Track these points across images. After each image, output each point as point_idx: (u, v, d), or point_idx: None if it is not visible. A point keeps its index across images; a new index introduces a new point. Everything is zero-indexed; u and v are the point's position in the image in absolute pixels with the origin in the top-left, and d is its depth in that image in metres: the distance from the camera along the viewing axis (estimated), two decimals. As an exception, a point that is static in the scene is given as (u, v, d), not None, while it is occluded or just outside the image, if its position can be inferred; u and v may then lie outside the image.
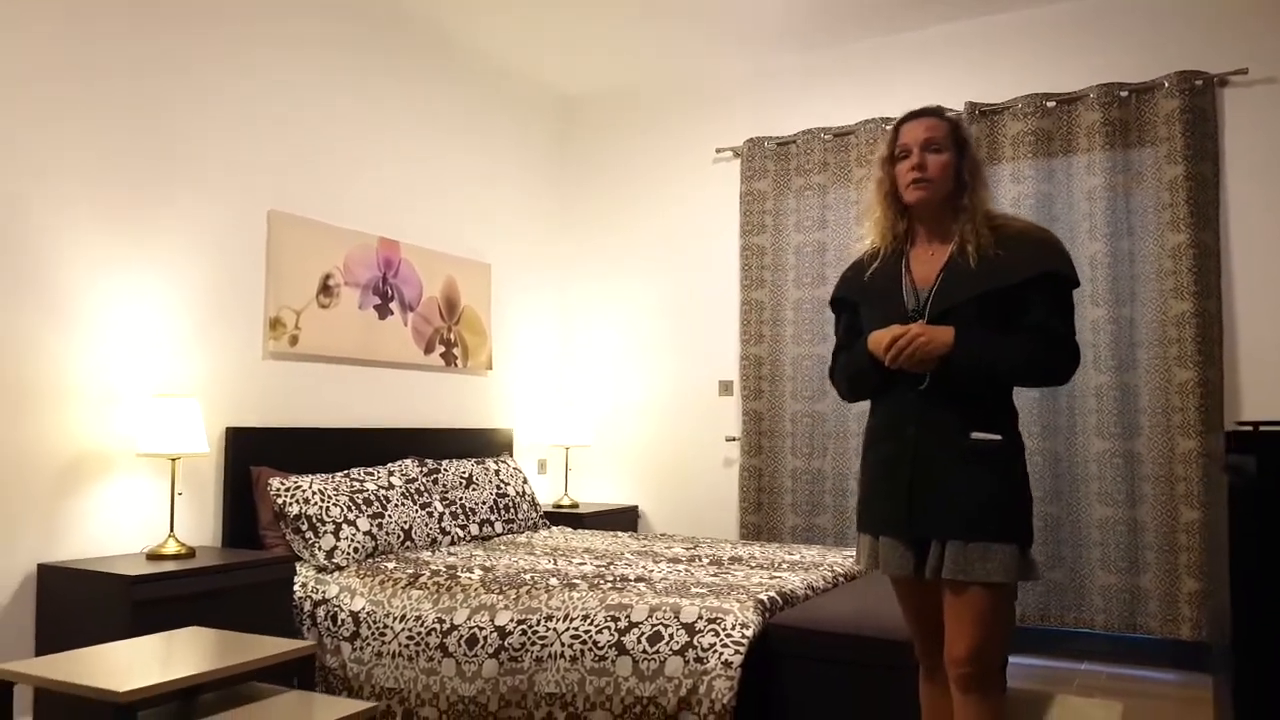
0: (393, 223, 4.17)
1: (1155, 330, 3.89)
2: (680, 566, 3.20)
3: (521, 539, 3.92)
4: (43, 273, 2.86)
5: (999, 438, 1.91)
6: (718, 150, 4.86)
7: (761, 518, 4.57)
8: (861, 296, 2.10)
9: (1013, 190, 4.14)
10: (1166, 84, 3.87)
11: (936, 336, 1.87)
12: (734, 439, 4.71)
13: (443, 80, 4.49)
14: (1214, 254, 3.82)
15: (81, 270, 2.96)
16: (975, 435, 1.90)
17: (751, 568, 3.21)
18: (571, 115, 5.33)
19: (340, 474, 3.50)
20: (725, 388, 4.79)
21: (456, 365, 4.46)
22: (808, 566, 3.22)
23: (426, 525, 3.60)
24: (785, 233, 4.63)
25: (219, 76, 3.41)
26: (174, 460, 2.98)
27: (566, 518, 4.54)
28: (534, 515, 4.23)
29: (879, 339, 1.93)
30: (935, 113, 2.03)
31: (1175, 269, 3.82)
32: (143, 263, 3.14)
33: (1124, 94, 3.98)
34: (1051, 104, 4.10)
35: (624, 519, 4.84)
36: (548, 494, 5.01)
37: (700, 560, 3.35)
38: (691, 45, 4.64)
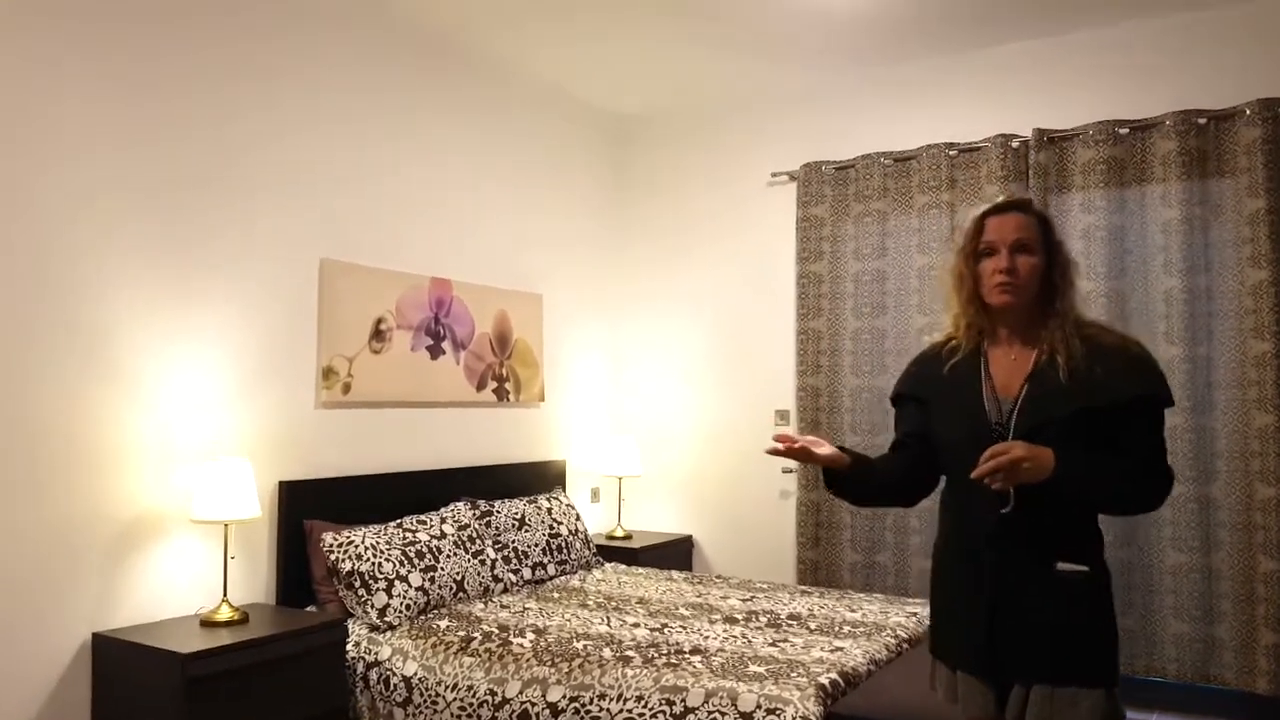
0: (444, 261, 4.14)
1: (1234, 371, 3.70)
2: (736, 629, 3.14)
3: (574, 581, 3.89)
4: (97, 336, 2.87)
5: (1086, 569, 1.79)
6: (773, 174, 4.74)
7: (820, 554, 4.48)
8: (934, 396, 1.98)
9: (1083, 221, 3.96)
10: (1248, 111, 3.65)
11: (1039, 460, 1.71)
12: (790, 470, 4.62)
13: (489, 106, 4.43)
14: (1299, 291, 3.62)
15: (133, 333, 2.97)
16: (1062, 566, 1.78)
17: (811, 630, 3.13)
18: (623, 138, 5.25)
19: (393, 524, 3.49)
20: (781, 417, 4.70)
21: (509, 400, 4.43)
22: (869, 630, 3.13)
23: (479, 574, 3.58)
24: (843, 260, 4.50)
25: (264, 126, 3.39)
26: (226, 525, 2.99)
27: (619, 552, 4.50)
28: (587, 553, 4.20)
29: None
30: (1026, 207, 1.90)
31: (1255, 307, 3.63)
32: (195, 325, 3.15)
33: (1202, 121, 3.77)
34: (1124, 131, 3.91)
35: (678, 551, 4.79)
36: (600, 523, 4.98)
37: (757, 619, 3.28)
38: (745, 65, 4.51)
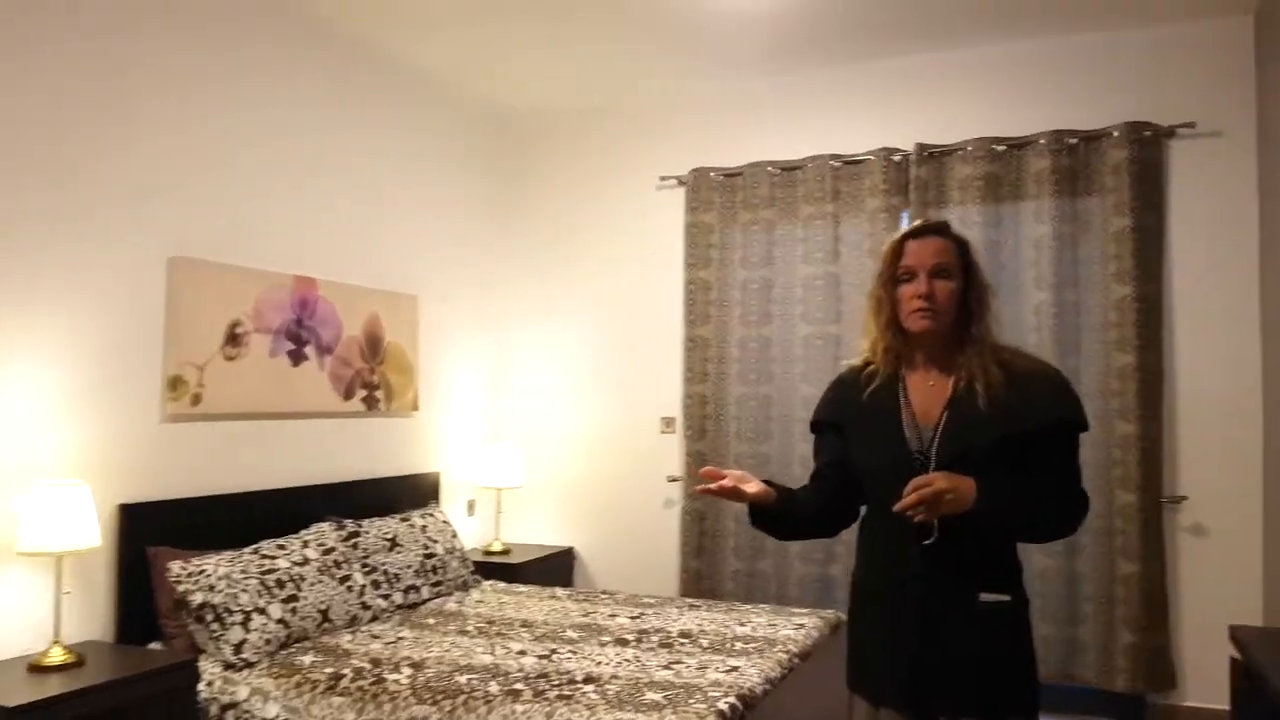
0: (308, 258, 3.83)
1: (1099, 382, 3.85)
2: (629, 651, 3.01)
3: (451, 604, 3.67)
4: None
5: (1008, 598, 1.76)
6: (662, 178, 4.65)
7: (703, 563, 4.41)
8: (853, 424, 1.92)
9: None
10: (1115, 133, 3.81)
11: (962, 491, 1.67)
12: (676, 479, 4.54)
13: (364, 94, 4.14)
14: (1157, 308, 3.79)
15: (-54, 341, 2.58)
16: (985, 596, 1.74)
17: (704, 649, 3.04)
18: (509, 134, 5.04)
19: (249, 550, 3.18)
20: (667, 424, 4.61)
21: (379, 409, 4.15)
22: (760, 645, 3.07)
23: (346, 602, 3.31)
24: (731, 268, 4.45)
25: (103, 107, 3.02)
26: (59, 556, 2.64)
27: (498, 568, 4.30)
28: (464, 573, 3.98)
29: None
30: (944, 231, 1.86)
31: (1119, 321, 3.79)
32: (17, 331, 2.76)
33: (1073, 141, 3.90)
34: (1001, 148, 4.01)
35: (559, 564, 4.63)
36: (477, 537, 4.76)
37: (648, 639, 3.16)
38: (637, 66, 4.39)
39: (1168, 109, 3.78)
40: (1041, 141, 3.92)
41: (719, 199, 4.49)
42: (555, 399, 4.87)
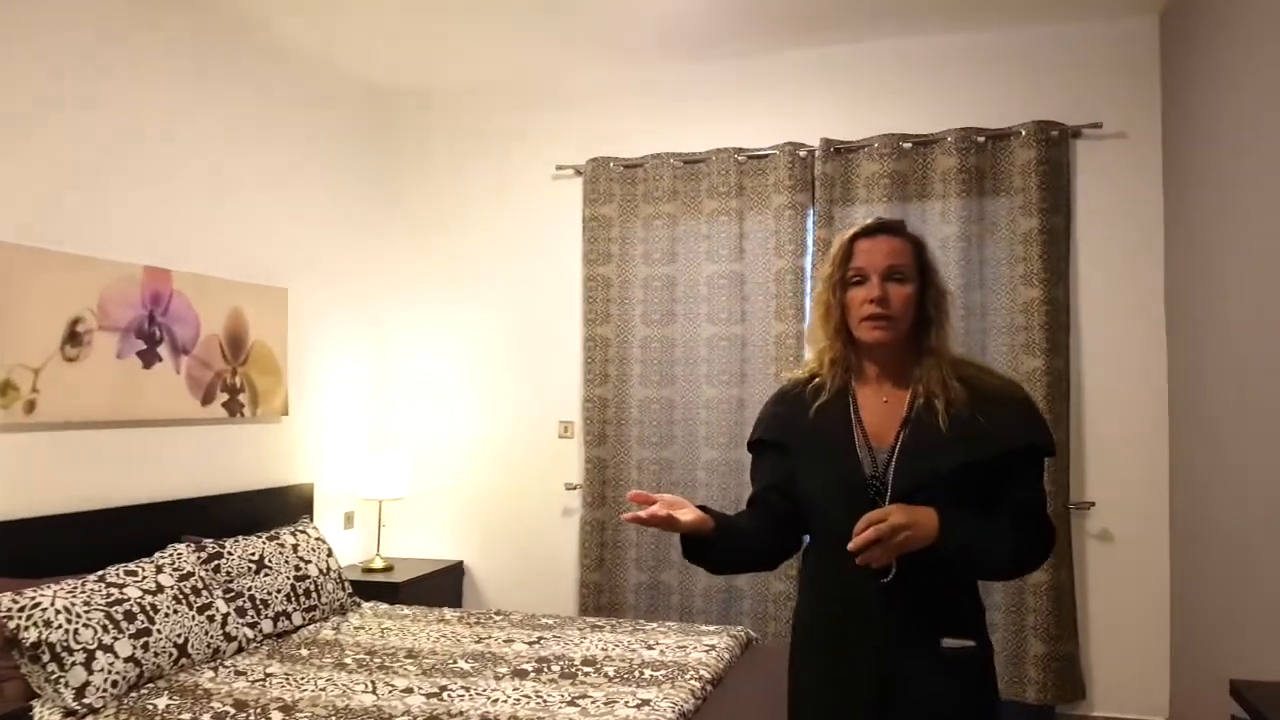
0: (162, 247, 3.40)
1: (1006, 386, 3.79)
2: (528, 685, 2.74)
3: (327, 632, 3.32)
4: None
5: (972, 643, 1.58)
6: (558, 167, 4.37)
7: (604, 576, 4.17)
8: (799, 444, 1.70)
9: (869, 233, 3.92)
10: (1023, 132, 3.76)
11: (921, 526, 1.48)
12: (574, 486, 4.28)
13: (227, 66, 3.72)
14: (1065, 311, 3.77)
15: None
16: (948, 642, 1.56)
17: (610, 679, 2.80)
18: (393, 116, 4.67)
19: (93, 578, 2.76)
20: (566, 429, 4.35)
21: (243, 415, 3.74)
22: (671, 673, 2.85)
23: (206, 633, 2.93)
24: (633, 263, 4.22)
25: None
26: None
27: (379, 588, 3.95)
28: (341, 595, 3.62)
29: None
30: (898, 230, 1.66)
31: (1027, 324, 3.74)
32: None
33: (980, 140, 3.84)
34: (908, 145, 3.91)
35: (447, 580, 4.31)
36: (355, 553, 4.38)
37: (549, 669, 2.89)
38: (530, 47, 4.11)
39: (1075, 109, 3.76)
40: (949, 139, 3.84)
41: (619, 191, 4.25)
42: (443, 402, 4.54)
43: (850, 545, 1.47)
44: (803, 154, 4.01)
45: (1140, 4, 3.64)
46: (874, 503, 1.57)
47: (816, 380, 1.72)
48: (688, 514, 1.58)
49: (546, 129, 4.43)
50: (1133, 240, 3.73)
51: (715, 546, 1.63)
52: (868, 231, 1.66)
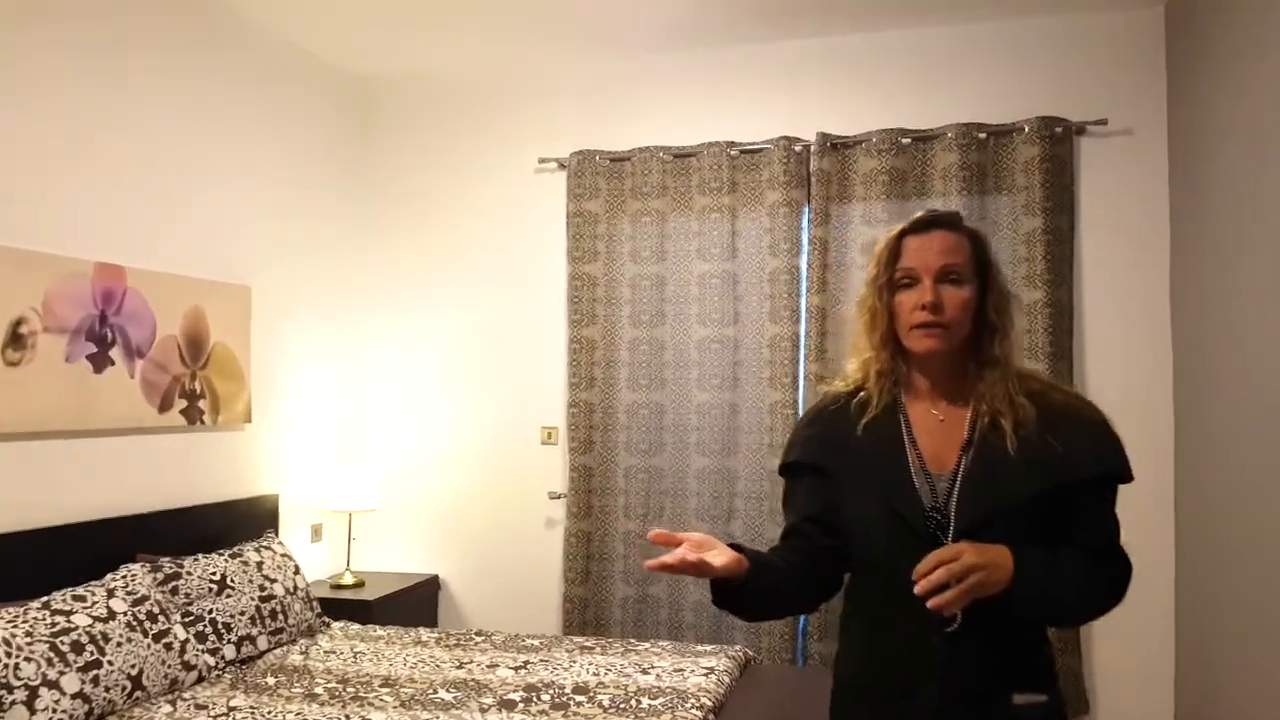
0: (115, 242, 3.14)
1: (1008, 391, 3.66)
2: (517, 718, 2.53)
3: (295, 657, 3.08)
4: None
5: (1044, 698, 1.40)
6: (541, 160, 4.16)
7: (589, 590, 3.97)
8: (844, 469, 1.51)
9: (864, 233, 3.77)
10: (1027, 129, 3.62)
11: (997, 567, 1.30)
12: (558, 496, 4.07)
13: (190, 49, 3.47)
14: (1069, 313, 3.64)
15: None
16: (1019, 699, 1.38)
17: (605, 709, 2.59)
18: (367, 105, 4.43)
19: (37, 605, 2.51)
20: (549, 435, 4.13)
21: (203, 422, 3.49)
22: (671, 701, 2.66)
23: (163, 663, 2.68)
24: (620, 261, 4.02)
25: None
26: None
27: (350, 606, 3.72)
28: (309, 615, 3.38)
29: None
30: (954, 224, 1.48)
31: (1030, 328, 3.60)
32: None
33: (982, 136, 3.69)
34: (907, 141, 3.76)
35: (422, 596, 4.09)
36: (324, 568, 4.13)
37: (539, 699, 2.68)
38: (513, 34, 3.90)
39: (1079, 104, 3.63)
40: (950, 135, 3.69)
41: (605, 185, 4.05)
42: (417, 407, 4.31)
43: (918, 588, 1.29)
44: (798, 149, 3.83)
45: (1147, -5, 3.52)
46: (934, 538, 1.38)
47: (861, 395, 1.53)
48: (720, 556, 1.35)
49: (529, 120, 4.21)
50: (1138, 241, 3.61)
51: (751, 591, 1.41)
52: (918, 226, 1.48)
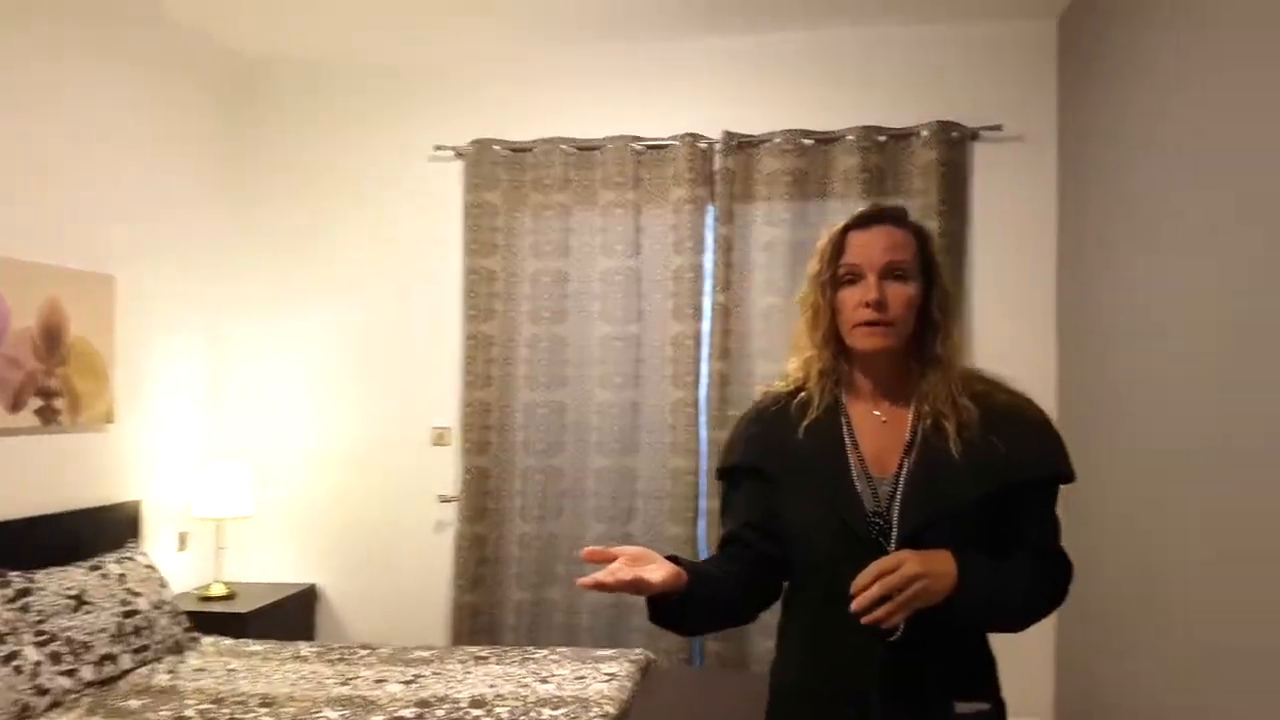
0: (-44, 221, 2.82)
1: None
2: (411, 736, 2.38)
3: (162, 677, 2.83)
4: None
5: (987, 706, 1.37)
6: (437, 148, 3.98)
7: (481, 596, 3.82)
8: (784, 472, 1.43)
9: (766, 233, 3.75)
10: (925, 133, 3.67)
11: (939, 575, 1.26)
12: (450, 499, 3.90)
13: (47, 19, 3.15)
14: (960, 314, 3.70)
15: None
16: (961, 708, 1.33)
17: (504, 723, 2.47)
18: (247, 85, 4.14)
19: None
20: (440, 436, 3.95)
21: (60, 423, 3.18)
22: (572, 709, 2.56)
23: (14, 688, 2.41)
24: (520, 256, 3.89)
25: None
26: None
27: (221, 619, 3.46)
28: (176, 631, 3.11)
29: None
30: (899, 219, 1.43)
31: (924, 329, 3.65)
32: None
33: (882, 139, 3.72)
34: (809, 142, 3.76)
35: (298, 607, 3.86)
36: (191, 578, 3.83)
37: (433, 715, 2.53)
38: (409, 13, 3.69)
39: (975, 110, 3.69)
40: (851, 138, 3.71)
41: (505, 177, 3.91)
42: (296, 407, 4.06)
43: (854, 605, 1.24)
44: (703, 146, 3.79)
45: (1039, 7, 3.61)
46: (876, 544, 1.33)
47: (802, 395, 1.46)
48: (657, 571, 1.26)
49: (424, 106, 4.03)
50: (1027, 245, 3.70)
51: (692, 606, 1.32)
52: (863, 221, 1.42)
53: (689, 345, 3.71)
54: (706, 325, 3.73)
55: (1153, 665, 2.69)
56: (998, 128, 3.67)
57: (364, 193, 4.06)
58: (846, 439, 1.41)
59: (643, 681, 2.96)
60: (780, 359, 3.58)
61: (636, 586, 1.23)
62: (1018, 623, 1.38)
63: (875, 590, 1.23)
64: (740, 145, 3.78)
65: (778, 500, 1.43)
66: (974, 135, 3.71)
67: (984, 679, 1.40)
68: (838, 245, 1.40)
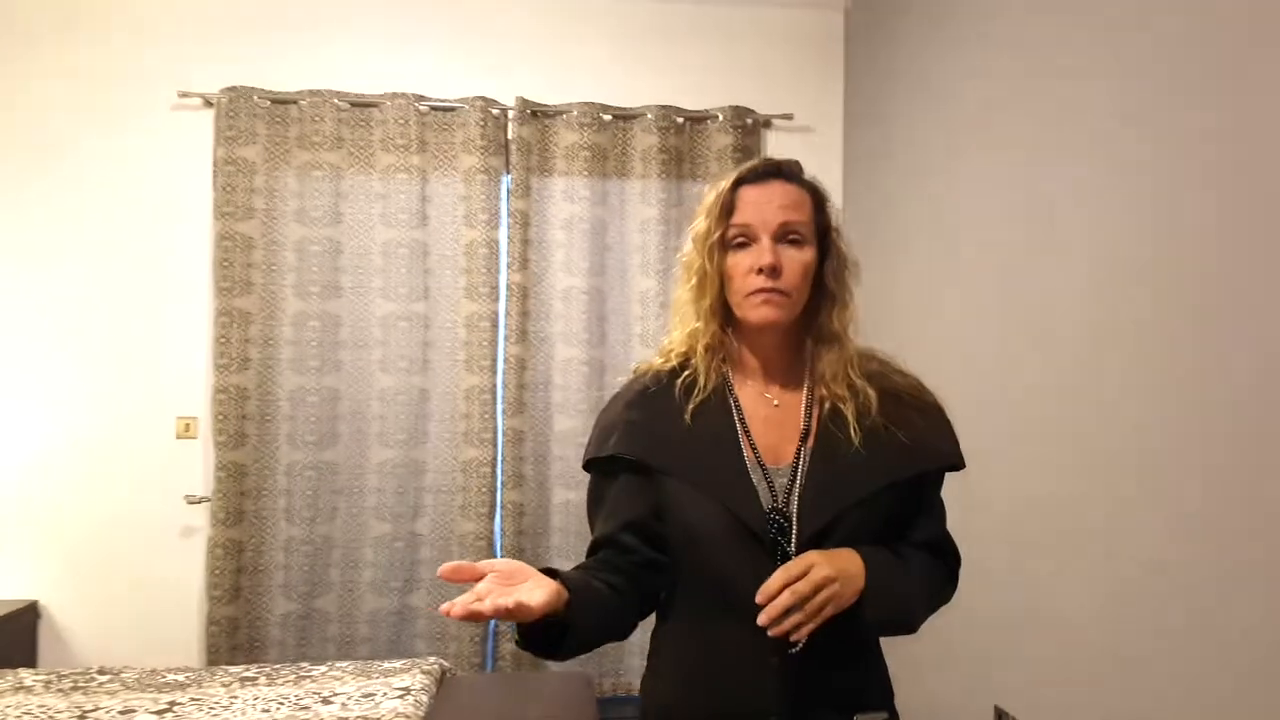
0: None
1: (699, 376, 3.67)
2: (173, 785, 1.99)
3: None
4: None
5: (884, 715, 1.26)
6: (181, 95, 3.42)
7: (240, 608, 3.36)
8: (672, 465, 1.26)
9: (566, 210, 3.58)
10: (720, 117, 3.65)
11: (850, 577, 1.14)
12: (199, 500, 3.39)
13: None
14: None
15: None
16: (860, 718, 1.23)
17: (287, 757, 2.14)
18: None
19: None
20: (187, 427, 3.43)
21: None
22: (368, 735, 2.26)
23: None
24: (283, 221, 3.44)
25: None
26: None
27: (-99, 655, 2.79)
28: None
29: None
30: (794, 175, 1.30)
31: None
32: None
33: (680, 120, 3.67)
34: (608, 118, 3.62)
35: (15, 629, 3.21)
36: None
37: (197, 754, 2.15)
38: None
39: (769, 97, 3.72)
40: (649, 116, 3.62)
41: (265, 131, 3.43)
42: (12, 394, 3.38)
43: (762, 617, 1.10)
44: (495, 113, 3.54)
45: (828, -1, 3.71)
46: (775, 544, 1.19)
47: (686, 375, 1.30)
48: (537, 592, 1.04)
49: (166, 47, 3.45)
50: (816, 234, 3.79)
51: (573, 627, 1.12)
52: (755, 175, 1.28)
53: (484, 327, 3.46)
54: (502, 305, 3.50)
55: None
56: (789, 116, 3.72)
57: (93, 145, 3.42)
58: (738, 425, 1.27)
59: (439, 693, 2.71)
60: (582, 344, 3.52)
61: (516, 614, 1.01)
62: (919, 620, 1.29)
63: (784, 599, 1.10)
64: (535, 114, 3.57)
65: (663, 497, 1.26)
66: (766, 123, 3.74)
67: (882, 689, 1.31)
68: (727, 202, 1.26)
